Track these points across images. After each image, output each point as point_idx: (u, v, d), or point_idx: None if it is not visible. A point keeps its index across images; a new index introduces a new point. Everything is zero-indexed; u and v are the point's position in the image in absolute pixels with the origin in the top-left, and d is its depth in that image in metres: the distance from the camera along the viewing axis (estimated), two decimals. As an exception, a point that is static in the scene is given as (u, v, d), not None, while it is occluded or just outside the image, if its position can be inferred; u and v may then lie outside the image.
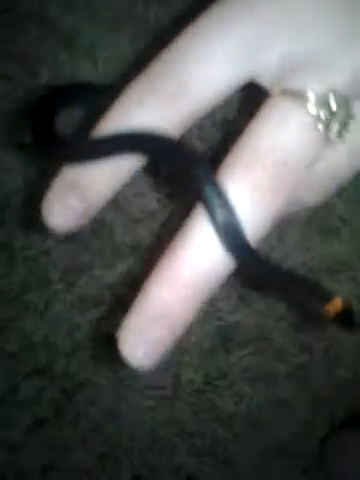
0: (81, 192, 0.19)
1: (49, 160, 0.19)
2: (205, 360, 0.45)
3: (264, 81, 0.20)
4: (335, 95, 0.19)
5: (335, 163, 0.21)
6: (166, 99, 0.19)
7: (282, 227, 0.43)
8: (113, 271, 0.42)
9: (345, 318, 0.20)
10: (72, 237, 0.42)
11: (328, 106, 0.19)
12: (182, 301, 0.18)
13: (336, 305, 0.19)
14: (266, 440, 0.46)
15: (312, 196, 0.22)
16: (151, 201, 0.42)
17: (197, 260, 0.18)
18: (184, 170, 0.18)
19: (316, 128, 0.19)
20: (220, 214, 0.17)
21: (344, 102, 0.20)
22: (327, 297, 0.19)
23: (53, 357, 0.44)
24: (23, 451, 0.45)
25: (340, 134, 0.20)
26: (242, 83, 0.20)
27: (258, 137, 0.19)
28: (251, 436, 0.46)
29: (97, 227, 0.42)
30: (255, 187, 0.18)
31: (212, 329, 0.44)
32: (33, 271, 0.42)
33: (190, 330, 0.43)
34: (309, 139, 0.19)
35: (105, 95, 0.20)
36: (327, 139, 0.19)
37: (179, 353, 0.45)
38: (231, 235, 0.17)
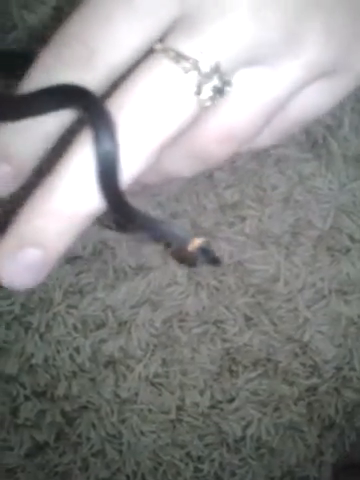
0: (11, 160, 0.22)
1: None
2: (211, 383, 0.47)
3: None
4: (209, 62, 0.22)
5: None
6: (77, 65, 0.21)
7: (290, 247, 0.45)
8: (116, 293, 0.45)
9: (205, 254, 0.26)
10: (74, 258, 0.45)
11: (199, 70, 0.22)
12: (52, 230, 0.21)
13: (195, 244, 0.25)
14: (274, 465, 0.49)
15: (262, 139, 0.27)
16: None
17: (69, 195, 0.21)
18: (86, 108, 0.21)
19: (188, 90, 0.22)
20: (105, 142, 0.20)
21: (216, 68, 0.22)
22: (187, 239, 0.25)
23: (54, 380, 0.47)
24: (22, 476, 0.48)
25: (213, 99, 0.23)
26: (151, 42, 0.22)
27: (134, 86, 0.22)
28: (259, 461, 0.49)
29: (99, 248, 0.44)
30: (131, 132, 0.21)
31: (218, 351, 0.47)
32: (34, 293, 0.44)
33: (195, 352, 0.47)
34: (181, 100, 0.22)
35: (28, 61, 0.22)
36: (199, 102, 0.22)
37: (184, 376, 0.47)
38: (107, 171, 0.21)
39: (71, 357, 0.46)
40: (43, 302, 0.45)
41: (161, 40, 0.23)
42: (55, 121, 0.23)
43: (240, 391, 0.47)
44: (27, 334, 0.46)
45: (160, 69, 0.22)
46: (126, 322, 0.46)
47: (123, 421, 0.48)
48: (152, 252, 0.45)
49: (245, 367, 0.47)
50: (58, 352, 0.46)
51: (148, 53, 0.23)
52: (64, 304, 0.45)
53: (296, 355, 0.47)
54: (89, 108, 0.21)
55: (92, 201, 0.22)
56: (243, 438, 0.48)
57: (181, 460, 0.49)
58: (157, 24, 0.22)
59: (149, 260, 0.46)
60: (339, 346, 0.47)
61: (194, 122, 0.24)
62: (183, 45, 0.22)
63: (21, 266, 0.21)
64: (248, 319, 0.46)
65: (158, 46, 0.22)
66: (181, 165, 0.26)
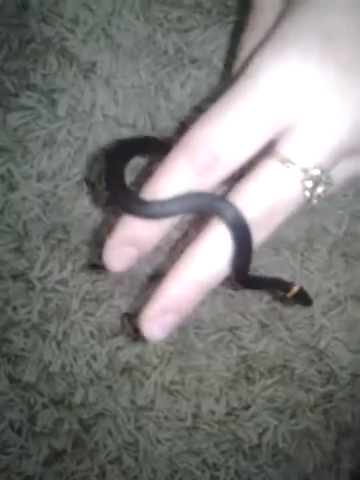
0: (137, 244, 0.27)
1: (121, 210, 0.26)
2: (226, 390, 0.48)
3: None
4: (321, 169, 0.25)
5: None
6: (204, 168, 0.25)
7: (305, 253, 0.46)
8: (132, 300, 0.46)
9: (302, 297, 0.34)
10: (91, 266, 0.45)
11: (314, 178, 0.26)
12: (187, 299, 0.27)
13: (295, 290, 0.34)
14: (291, 473, 0.49)
15: None
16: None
17: (204, 268, 0.26)
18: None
19: (303, 195, 0.27)
20: (241, 231, 0.26)
21: (327, 174, 0.26)
22: (289, 286, 0.34)
23: (71, 388, 0.47)
24: (40, 484, 0.48)
25: (320, 198, 0.27)
26: (262, 148, 0.26)
27: (255, 188, 0.26)
28: (275, 468, 0.49)
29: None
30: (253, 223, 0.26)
31: (233, 358, 0.47)
32: (51, 301, 0.45)
33: (211, 359, 0.47)
34: (294, 202, 0.27)
35: (165, 147, 0.25)
36: (309, 201, 0.27)
37: (200, 383, 0.47)
38: (245, 252, 0.26)
39: (88, 365, 0.47)
40: (60, 310, 0.46)
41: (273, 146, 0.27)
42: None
43: (256, 398, 0.48)
44: (44, 342, 0.46)
45: (276, 175, 0.26)
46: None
47: (139, 428, 0.48)
48: (167, 260, 0.46)
49: (261, 374, 0.47)
50: (75, 360, 0.47)
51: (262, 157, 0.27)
52: (81, 312, 0.46)
53: (312, 362, 0.47)
54: (228, 217, 0.26)
55: (221, 278, 0.27)
56: (259, 445, 0.49)
57: (197, 467, 0.50)
58: (269, 133, 0.26)
59: (164, 268, 0.46)
60: (355, 352, 0.47)
61: None
62: (297, 154, 0.26)
63: (159, 327, 0.27)
64: (264, 326, 0.47)
65: (275, 153, 0.26)
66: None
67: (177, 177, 0.26)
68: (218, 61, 0.40)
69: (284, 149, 0.26)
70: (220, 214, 0.26)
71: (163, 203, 0.26)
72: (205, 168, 0.26)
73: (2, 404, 0.47)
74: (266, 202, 0.26)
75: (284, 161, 0.26)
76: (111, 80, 0.41)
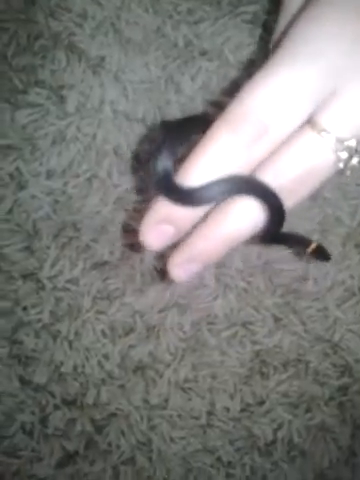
0: (175, 222, 0.28)
1: (168, 200, 0.27)
2: (241, 386, 0.48)
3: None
4: (357, 140, 0.25)
5: None
6: (250, 140, 0.24)
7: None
8: (144, 297, 0.46)
9: (320, 252, 0.36)
10: (102, 264, 0.45)
11: (350, 149, 0.25)
12: (212, 252, 0.28)
13: (313, 246, 0.36)
14: (306, 468, 0.49)
15: None
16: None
17: (233, 228, 0.27)
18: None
19: (336, 165, 0.27)
20: (272, 201, 0.27)
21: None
22: (308, 242, 0.36)
23: (83, 388, 0.47)
24: (52, 487, 0.48)
25: (354, 169, 0.26)
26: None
27: (288, 156, 0.26)
28: (290, 464, 0.49)
29: (127, 253, 0.45)
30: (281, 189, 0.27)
31: (247, 353, 0.47)
32: (62, 300, 0.45)
33: (224, 355, 0.47)
34: (326, 172, 0.27)
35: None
36: (342, 172, 0.27)
37: (213, 379, 0.48)
38: (278, 216, 0.28)
39: (100, 364, 0.47)
40: (72, 309, 0.46)
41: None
42: None
43: (271, 393, 0.48)
44: (56, 342, 0.46)
45: (312, 145, 0.26)
46: (154, 327, 0.47)
47: (153, 428, 0.48)
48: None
49: (275, 369, 0.48)
50: (87, 359, 0.47)
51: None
52: (93, 311, 0.46)
53: (327, 355, 0.47)
54: (265, 199, 0.27)
55: (248, 237, 0.29)
56: (274, 441, 0.49)
57: (212, 466, 0.50)
58: (316, 101, 0.26)
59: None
60: (370, 344, 0.47)
61: None
62: (333, 124, 0.26)
63: (184, 272, 0.30)
64: (277, 320, 0.47)
65: (312, 123, 0.26)
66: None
67: (220, 153, 0.26)
68: (228, 53, 0.41)
69: (321, 119, 0.26)
70: (258, 199, 0.27)
71: (201, 190, 0.26)
72: (252, 139, 0.25)
73: (13, 406, 0.47)
74: (298, 170, 0.27)
75: (320, 130, 0.26)
76: (120, 75, 0.41)
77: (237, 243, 0.29)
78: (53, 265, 0.45)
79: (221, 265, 0.46)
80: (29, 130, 0.42)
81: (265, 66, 0.26)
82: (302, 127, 0.26)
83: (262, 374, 0.48)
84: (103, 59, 0.41)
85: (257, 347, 0.48)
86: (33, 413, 0.48)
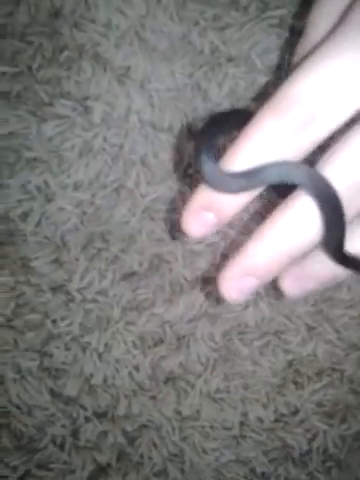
0: (216, 210, 0.26)
1: (209, 185, 0.25)
2: (274, 396, 0.47)
3: None
4: None
5: None
6: (297, 128, 0.23)
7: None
8: (174, 307, 0.45)
9: None
10: (131, 274, 0.45)
11: None
12: (269, 266, 0.26)
13: None
14: (343, 478, 0.48)
15: None
16: (210, 232, 0.45)
17: (287, 231, 0.25)
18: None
19: None
20: (328, 199, 0.23)
21: None
22: None
23: (114, 400, 0.47)
24: (85, 499, 0.48)
25: None
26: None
27: (346, 153, 0.24)
28: (326, 475, 0.49)
29: (156, 263, 0.44)
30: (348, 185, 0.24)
31: (280, 363, 0.46)
32: (92, 312, 0.45)
33: (256, 365, 0.46)
34: None
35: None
36: None
37: (246, 390, 0.47)
38: (334, 220, 0.24)
39: (130, 375, 0.47)
40: (101, 321, 0.45)
41: None
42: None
43: (305, 403, 0.47)
44: (85, 354, 0.46)
45: None
46: (185, 337, 0.46)
47: (185, 439, 0.48)
48: (208, 264, 0.46)
49: (309, 378, 0.47)
50: (117, 371, 0.47)
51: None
52: (122, 322, 0.45)
53: (361, 363, 0.46)
54: (316, 190, 0.24)
55: (307, 248, 0.26)
56: (309, 452, 0.48)
57: (245, 477, 0.49)
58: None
59: (205, 272, 0.46)
60: None
61: None
62: None
63: (238, 289, 0.27)
64: (310, 328, 0.46)
65: None
66: None
67: (265, 138, 0.24)
68: (256, 58, 0.40)
69: None
70: (307, 187, 0.24)
71: (244, 174, 0.25)
72: (299, 126, 0.24)
73: (44, 419, 0.47)
74: (358, 171, 0.24)
75: None
76: (146, 84, 0.41)
77: (298, 250, 0.26)
78: (82, 277, 0.45)
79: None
80: (55, 142, 0.42)
81: (315, 52, 0.24)
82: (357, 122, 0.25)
83: (296, 383, 0.47)
84: (128, 68, 0.41)
85: (290, 356, 0.47)
86: (64, 426, 0.48)
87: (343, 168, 0.24)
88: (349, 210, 0.25)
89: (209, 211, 0.26)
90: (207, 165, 0.25)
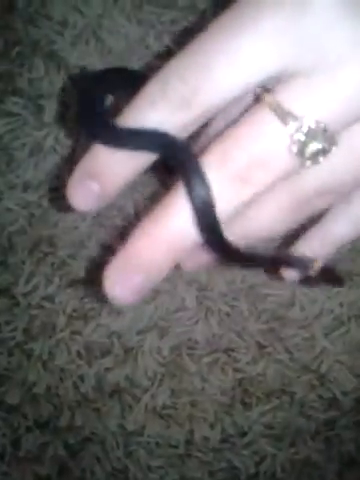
0: (100, 179, 0.24)
1: (86, 138, 0.23)
2: (222, 415, 0.45)
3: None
4: (316, 123, 0.22)
5: None
6: (177, 102, 0.22)
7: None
8: (121, 318, 0.44)
9: (327, 274, 0.28)
10: (78, 281, 0.43)
11: (307, 132, 0.22)
12: (154, 257, 0.24)
13: (317, 266, 0.27)
14: (290, 505, 0.46)
15: None
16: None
17: (172, 226, 0.24)
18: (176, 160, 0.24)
19: (289, 149, 0.23)
20: (198, 190, 0.23)
21: (323, 130, 0.23)
22: (310, 261, 0.27)
23: (57, 410, 0.45)
24: (22, 513, 0.46)
25: (314, 160, 0.23)
26: (250, 88, 0.23)
27: (237, 137, 0.23)
28: (273, 500, 0.46)
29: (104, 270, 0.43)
30: (226, 177, 0.23)
31: (229, 381, 0.45)
32: (37, 318, 0.43)
33: (205, 382, 0.44)
34: (280, 156, 0.23)
35: (141, 81, 0.24)
36: (300, 162, 0.23)
37: (193, 407, 0.45)
38: (204, 213, 0.23)
39: (75, 386, 0.45)
40: (46, 328, 0.44)
41: (268, 90, 0.24)
42: (147, 157, 0.25)
43: (253, 424, 0.46)
44: (29, 362, 0.44)
45: (264, 123, 0.23)
46: (132, 349, 0.45)
47: (129, 455, 0.46)
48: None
49: (258, 399, 0.45)
50: (61, 381, 0.45)
51: (254, 102, 0.24)
52: (68, 330, 0.44)
53: (313, 386, 0.45)
54: (179, 157, 0.23)
55: (189, 238, 0.24)
56: (256, 475, 0.47)
57: (190, 497, 0.47)
58: (259, 73, 0.23)
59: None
60: (359, 377, 0.44)
61: (293, 174, 0.25)
62: (292, 102, 0.23)
63: (125, 288, 0.24)
64: (261, 347, 0.44)
65: (267, 98, 0.23)
66: (275, 218, 0.27)
67: (148, 111, 0.23)
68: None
69: (278, 95, 0.23)
70: (180, 165, 0.23)
71: (132, 132, 0.23)
72: (179, 105, 0.23)
73: (-16, 427, 0.45)
74: (247, 152, 0.23)
75: (275, 108, 0.23)
76: (101, 85, 0.39)
77: (181, 242, 0.24)
78: (28, 281, 0.43)
79: (203, 287, 0.44)
80: (5, 140, 0.40)
81: (204, 30, 0.22)
82: (254, 105, 0.24)
83: (244, 404, 0.45)
84: (84, 68, 0.39)
85: (239, 375, 0.45)
86: (4, 435, 0.46)
87: (233, 145, 0.23)
88: (243, 190, 0.24)
89: (93, 180, 0.24)
90: (97, 117, 0.24)
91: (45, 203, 0.42)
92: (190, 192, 0.23)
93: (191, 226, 0.24)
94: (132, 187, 0.39)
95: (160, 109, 0.23)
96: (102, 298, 0.43)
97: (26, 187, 0.41)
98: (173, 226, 0.24)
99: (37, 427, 0.46)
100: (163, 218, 0.24)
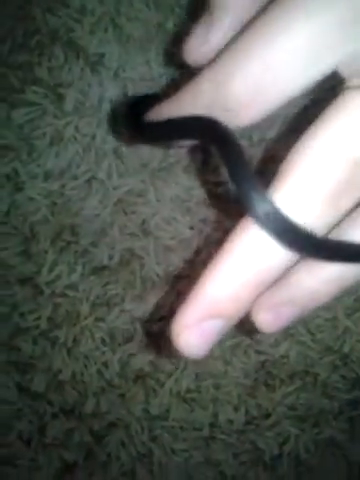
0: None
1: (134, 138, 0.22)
2: (245, 398, 0.45)
3: (342, 71, 0.20)
4: None
5: None
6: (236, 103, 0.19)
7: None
8: (144, 304, 0.44)
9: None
10: (101, 269, 0.43)
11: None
12: (234, 299, 0.20)
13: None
14: (314, 484, 0.47)
15: None
16: (184, 227, 0.43)
17: (249, 256, 0.19)
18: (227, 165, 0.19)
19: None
20: (260, 205, 0.19)
21: None
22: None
23: (81, 397, 0.45)
24: (51, 498, 0.46)
25: None
26: (319, 79, 0.19)
27: (324, 135, 0.19)
28: (297, 480, 0.47)
29: (127, 257, 0.43)
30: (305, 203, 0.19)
31: (252, 364, 0.45)
32: (60, 306, 0.43)
33: (228, 365, 0.44)
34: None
35: None
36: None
37: (217, 390, 0.45)
38: (274, 220, 0.19)
39: (99, 372, 0.45)
40: (70, 316, 0.44)
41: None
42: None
43: (277, 406, 0.46)
44: (54, 349, 0.45)
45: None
46: (156, 335, 0.45)
47: (154, 439, 0.46)
48: (181, 261, 0.44)
49: (281, 380, 0.45)
50: (86, 367, 0.45)
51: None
52: (91, 317, 0.44)
53: (336, 367, 0.45)
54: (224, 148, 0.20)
55: (274, 262, 0.20)
56: (280, 456, 0.47)
57: (215, 479, 0.47)
58: (320, 69, 0.19)
59: (178, 268, 0.44)
60: (382, 356, 0.45)
61: None
62: None
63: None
64: (284, 329, 0.44)
65: (351, 83, 0.20)
66: None
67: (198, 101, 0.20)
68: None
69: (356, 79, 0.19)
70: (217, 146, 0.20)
71: (162, 123, 0.21)
72: (239, 106, 0.19)
73: (11, 414, 0.46)
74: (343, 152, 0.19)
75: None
76: (120, 72, 0.39)
77: (262, 275, 0.20)
78: (51, 270, 0.43)
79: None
80: (26, 130, 0.40)
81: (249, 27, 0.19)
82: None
83: (268, 386, 0.46)
84: (102, 56, 0.39)
85: (262, 357, 0.45)
86: (31, 422, 0.46)
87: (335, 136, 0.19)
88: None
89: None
90: (133, 120, 0.22)
91: (66, 192, 0.42)
92: (251, 208, 0.19)
93: (275, 257, 0.20)
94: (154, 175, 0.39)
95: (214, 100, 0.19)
96: (125, 285, 0.44)
97: (47, 176, 0.41)
98: (248, 258, 0.20)
99: (63, 414, 0.46)
100: (234, 253, 0.20)
